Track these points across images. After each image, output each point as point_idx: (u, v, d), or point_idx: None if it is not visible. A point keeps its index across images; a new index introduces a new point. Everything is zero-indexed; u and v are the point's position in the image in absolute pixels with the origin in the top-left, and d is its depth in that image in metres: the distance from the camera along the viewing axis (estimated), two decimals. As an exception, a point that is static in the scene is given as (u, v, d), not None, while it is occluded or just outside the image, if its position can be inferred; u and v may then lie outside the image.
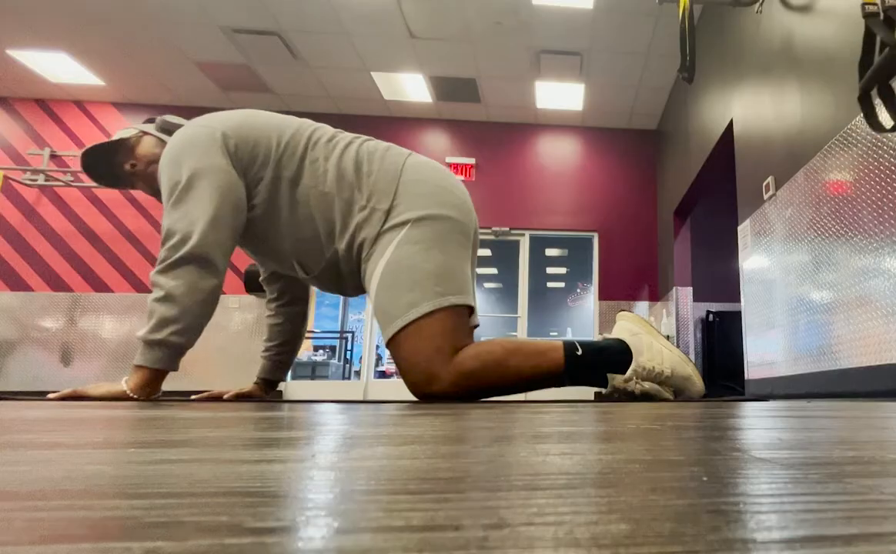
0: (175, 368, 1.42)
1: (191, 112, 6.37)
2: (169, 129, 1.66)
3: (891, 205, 2.11)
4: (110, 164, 1.64)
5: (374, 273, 1.48)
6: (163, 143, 1.63)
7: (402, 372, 1.47)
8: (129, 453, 0.37)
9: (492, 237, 6.52)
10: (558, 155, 6.66)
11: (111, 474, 0.28)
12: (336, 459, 0.34)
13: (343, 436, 0.50)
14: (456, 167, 6.43)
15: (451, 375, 1.41)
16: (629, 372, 1.49)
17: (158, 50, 5.42)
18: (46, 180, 6.03)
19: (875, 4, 1.78)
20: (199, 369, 5.41)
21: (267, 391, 1.79)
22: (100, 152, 1.61)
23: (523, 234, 6.52)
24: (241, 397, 1.68)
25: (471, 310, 1.55)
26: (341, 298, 11.79)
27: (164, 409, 0.95)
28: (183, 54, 5.48)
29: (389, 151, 1.58)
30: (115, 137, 1.64)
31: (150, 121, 1.70)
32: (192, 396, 1.62)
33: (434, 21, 4.98)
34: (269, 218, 1.53)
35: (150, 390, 1.39)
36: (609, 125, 6.69)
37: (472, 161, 6.47)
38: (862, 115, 1.79)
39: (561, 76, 5.77)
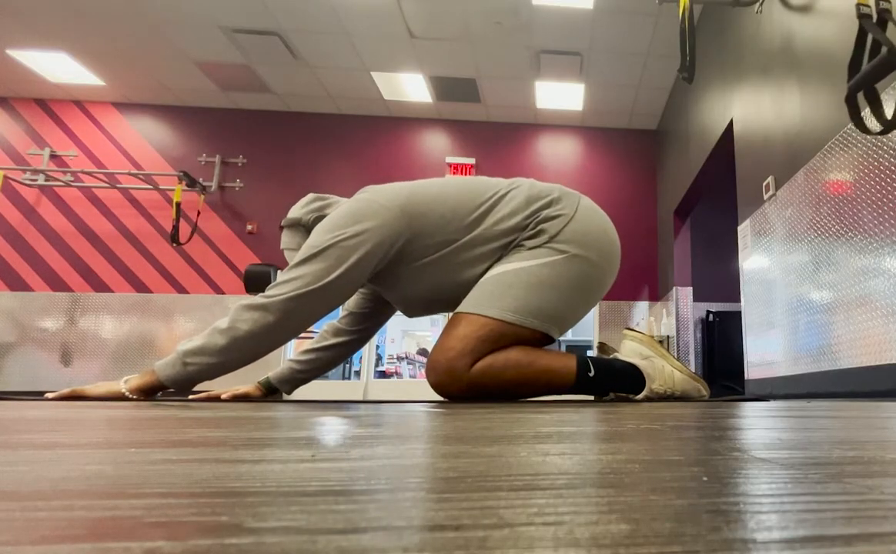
0: (183, 392, 1.42)
1: (191, 112, 6.39)
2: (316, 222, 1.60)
3: (891, 205, 2.11)
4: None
5: (507, 265, 1.50)
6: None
7: (437, 345, 1.48)
8: (129, 453, 0.37)
9: (492, 237, 6.51)
10: (558, 155, 6.66)
11: (111, 474, 0.28)
12: (336, 458, 0.34)
13: (343, 436, 0.50)
14: (456, 167, 6.43)
15: (464, 379, 1.43)
16: (640, 397, 1.51)
17: (158, 50, 5.41)
18: (46, 180, 6.03)
19: (868, 6, 1.79)
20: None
21: (266, 396, 1.77)
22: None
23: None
24: (238, 398, 1.67)
25: (549, 339, 1.57)
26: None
27: (164, 409, 0.95)
28: (183, 54, 5.48)
29: (564, 190, 1.61)
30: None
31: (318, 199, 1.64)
32: (190, 396, 1.61)
33: (434, 21, 4.98)
34: (443, 271, 1.53)
35: (147, 395, 1.39)
36: (609, 125, 6.69)
37: (471, 161, 6.47)
38: (850, 115, 1.80)
39: (561, 76, 5.77)
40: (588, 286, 1.55)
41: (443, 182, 1.58)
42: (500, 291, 1.46)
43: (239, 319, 1.38)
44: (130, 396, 1.36)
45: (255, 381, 1.76)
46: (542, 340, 1.54)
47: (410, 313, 1.69)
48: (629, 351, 1.62)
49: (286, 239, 1.59)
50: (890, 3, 1.83)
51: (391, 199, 1.49)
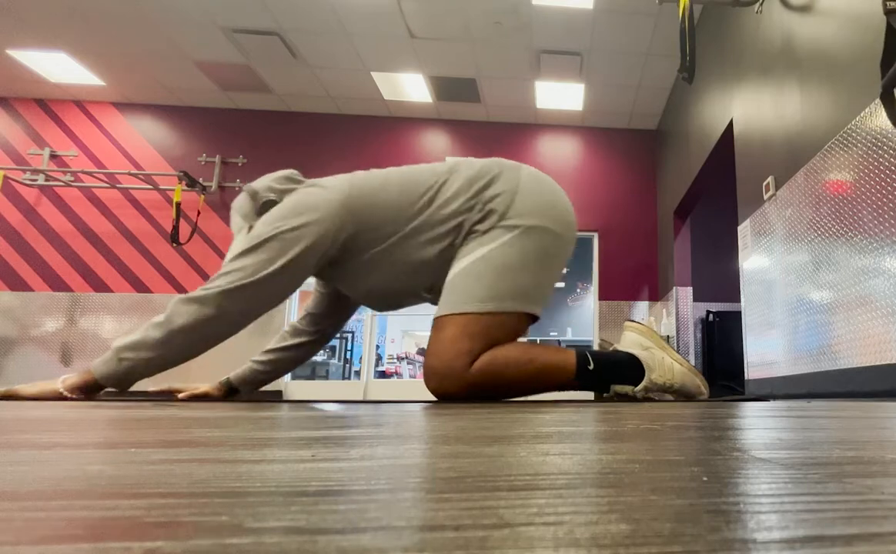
0: (122, 390, 1.39)
1: (191, 112, 6.39)
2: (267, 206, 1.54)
3: (891, 205, 2.11)
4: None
5: (469, 256, 1.49)
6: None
7: (428, 353, 1.48)
8: (129, 453, 0.37)
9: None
10: (558, 155, 6.66)
11: (111, 474, 0.28)
12: (336, 458, 0.34)
13: (343, 436, 0.50)
14: (456, 167, 6.42)
15: (464, 379, 1.42)
16: (640, 387, 1.50)
17: (158, 50, 5.41)
18: (46, 180, 6.03)
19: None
20: (198, 368, 5.41)
21: (226, 396, 1.71)
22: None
23: (523, 234, 6.52)
24: (196, 398, 1.61)
25: (534, 318, 1.56)
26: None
27: (165, 409, 0.95)
28: (183, 54, 5.48)
29: (504, 164, 1.60)
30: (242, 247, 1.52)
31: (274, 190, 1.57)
32: (151, 389, 1.58)
33: (434, 21, 4.98)
34: (390, 262, 1.52)
35: (86, 394, 1.37)
36: (609, 125, 6.69)
37: (472, 161, 6.47)
38: (885, 114, 1.78)
39: (561, 76, 5.77)
40: (549, 254, 1.54)
41: (385, 173, 1.57)
42: (470, 284, 1.46)
43: (175, 313, 1.36)
44: (68, 395, 1.33)
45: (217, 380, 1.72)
46: (527, 321, 1.53)
47: (377, 307, 1.68)
48: (629, 342, 1.61)
49: (238, 203, 1.54)
50: None
51: (334, 192, 1.48)
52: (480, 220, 1.51)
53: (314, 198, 1.47)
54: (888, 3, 1.77)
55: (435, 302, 1.60)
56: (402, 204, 1.51)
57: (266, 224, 1.43)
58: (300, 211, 1.44)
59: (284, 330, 1.81)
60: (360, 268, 1.53)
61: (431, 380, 1.46)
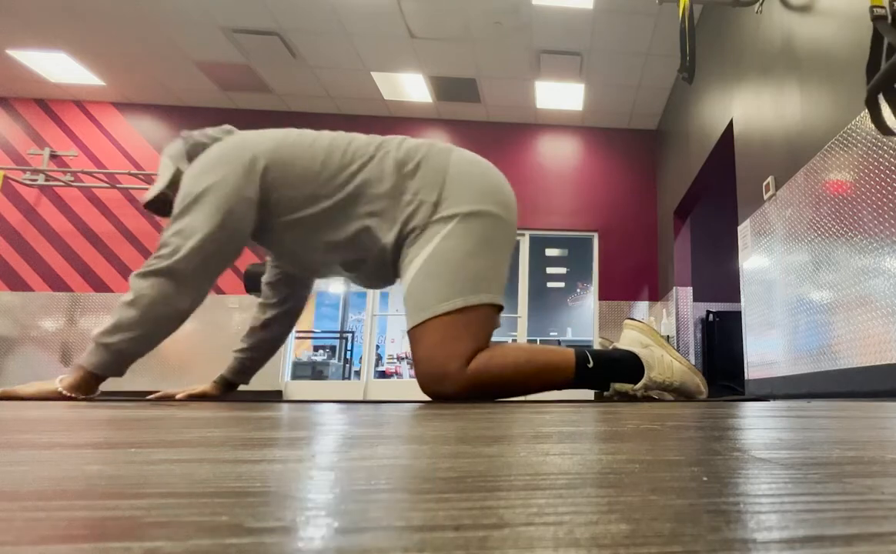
0: (118, 374, 1.39)
1: (191, 112, 6.39)
2: (197, 149, 1.57)
3: (891, 205, 2.11)
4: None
5: (415, 261, 1.46)
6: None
7: (417, 363, 1.45)
8: (129, 453, 0.37)
9: (492, 237, 6.51)
10: (558, 155, 6.66)
11: (111, 474, 0.28)
12: (336, 458, 0.34)
13: (343, 436, 0.50)
14: (456, 167, 6.42)
15: (462, 380, 1.41)
16: (640, 385, 1.49)
17: (158, 50, 5.41)
18: (46, 180, 6.03)
19: (883, 7, 1.79)
20: (198, 368, 5.42)
21: (224, 392, 1.72)
22: (161, 202, 1.56)
23: (523, 234, 6.52)
24: (194, 397, 1.62)
25: (500, 309, 1.54)
26: (341, 298, 11.80)
27: (165, 409, 0.95)
28: (183, 54, 5.48)
29: (433, 147, 1.56)
30: (162, 185, 1.55)
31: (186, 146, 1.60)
32: (147, 397, 1.58)
33: (434, 21, 4.98)
34: (309, 230, 1.50)
35: (85, 391, 1.37)
36: (609, 125, 6.69)
37: (472, 161, 6.47)
38: (869, 117, 1.79)
39: (561, 76, 5.77)
40: (492, 237, 1.50)
41: (315, 135, 1.54)
42: (430, 286, 1.43)
43: (138, 289, 1.37)
44: (68, 394, 1.34)
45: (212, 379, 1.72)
46: (497, 313, 1.51)
47: (320, 274, 1.66)
48: (629, 340, 1.60)
49: (170, 146, 1.55)
50: None
51: (255, 143, 1.47)
52: (414, 216, 1.48)
53: (231, 147, 1.47)
54: (875, 9, 1.78)
55: (355, 280, 1.60)
56: (328, 167, 1.48)
57: (195, 178, 1.43)
58: (223, 161, 1.44)
59: (254, 311, 1.81)
60: (286, 230, 1.50)
61: (429, 386, 1.44)
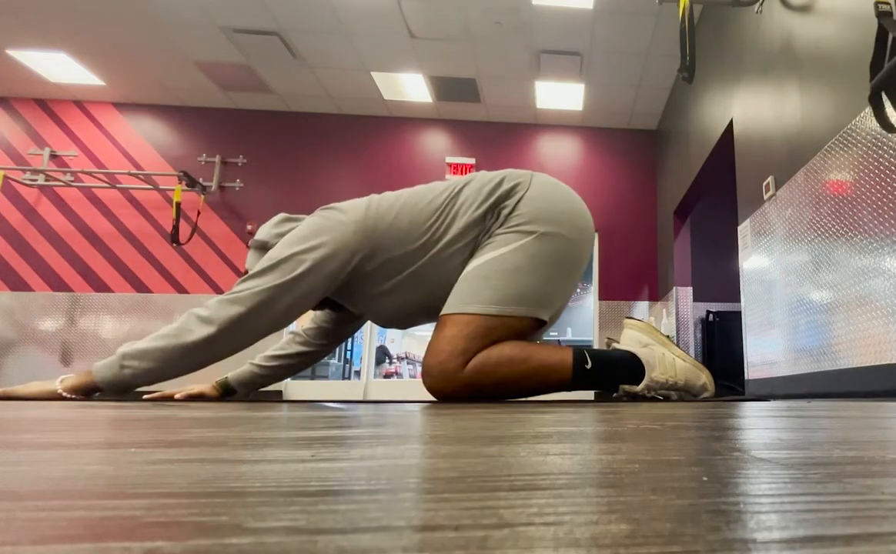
0: (120, 395, 1.39)
1: (191, 112, 6.39)
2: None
3: (891, 205, 2.11)
4: None
5: (479, 258, 1.48)
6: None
7: (428, 349, 1.47)
8: (129, 453, 0.37)
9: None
10: (558, 155, 6.66)
11: (111, 474, 0.28)
12: (336, 458, 0.34)
13: (343, 436, 0.50)
14: (456, 167, 6.43)
15: (459, 380, 1.41)
16: (641, 386, 1.48)
17: (158, 50, 5.41)
18: (46, 180, 6.03)
19: (888, 3, 1.78)
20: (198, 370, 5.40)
21: (223, 397, 1.70)
22: None
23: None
24: (192, 398, 1.61)
25: (542, 324, 1.54)
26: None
27: (165, 409, 0.95)
28: (183, 54, 5.48)
29: (513, 172, 1.59)
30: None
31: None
32: (144, 396, 1.58)
33: (434, 21, 4.98)
34: (412, 284, 1.52)
35: (84, 395, 1.37)
36: (609, 125, 6.69)
37: (472, 161, 6.47)
38: (872, 115, 1.79)
39: (561, 76, 5.77)
40: (565, 261, 1.52)
41: (398, 192, 1.57)
42: (477, 285, 1.45)
43: (186, 328, 1.36)
44: (67, 395, 1.34)
45: (213, 380, 1.71)
46: (534, 326, 1.52)
47: (390, 326, 1.68)
48: (629, 340, 1.59)
49: (251, 259, 1.56)
50: None
51: (350, 213, 1.49)
52: (494, 224, 1.51)
53: (330, 221, 1.47)
54: (880, 5, 1.78)
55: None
56: (416, 220, 1.50)
57: (283, 246, 1.44)
58: (317, 233, 1.45)
59: (290, 336, 1.80)
60: (383, 293, 1.53)
61: (426, 378, 1.46)
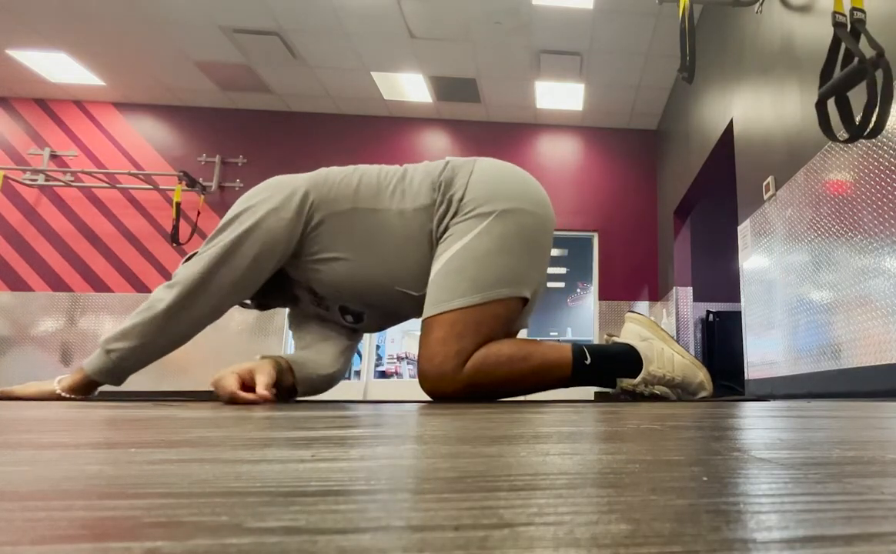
0: (115, 383, 1.39)
1: (191, 112, 6.39)
2: None
3: (891, 205, 2.11)
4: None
5: (445, 253, 1.46)
6: None
7: (420, 355, 1.45)
8: (129, 453, 0.37)
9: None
10: (558, 155, 6.66)
11: (111, 474, 0.28)
12: (336, 458, 0.34)
13: (343, 436, 0.50)
14: (456, 167, 6.43)
15: (458, 381, 1.40)
16: (638, 379, 1.47)
17: (158, 50, 5.41)
18: (46, 180, 6.03)
19: (844, 15, 1.82)
20: (199, 369, 5.41)
21: (287, 393, 1.55)
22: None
23: (523, 234, 6.52)
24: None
25: (525, 301, 1.52)
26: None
27: (165, 409, 0.95)
28: (183, 54, 5.48)
29: (457, 159, 1.59)
30: None
31: None
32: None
33: (434, 21, 4.98)
34: (358, 251, 1.51)
35: (82, 394, 1.37)
36: (609, 125, 6.69)
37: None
38: (819, 120, 1.84)
39: (561, 76, 5.77)
40: (532, 235, 1.51)
41: (350, 167, 1.59)
42: (452, 280, 1.43)
43: (157, 299, 1.37)
44: (66, 395, 1.34)
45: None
46: (517, 307, 1.50)
47: (355, 306, 1.60)
48: (628, 333, 1.58)
49: None
50: (864, 13, 1.84)
51: (301, 176, 1.51)
52: (449, 214, 1.49)
53: (283, 177, 1.50)
54: (837, 16, 1.81)
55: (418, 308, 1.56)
56: (367, 183, 1.51)
57: (239, 202, 1.46)
58: (269, 186, 1.47)
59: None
60: (334, 255, 1.49)
61: (425, 384, 1.44)
